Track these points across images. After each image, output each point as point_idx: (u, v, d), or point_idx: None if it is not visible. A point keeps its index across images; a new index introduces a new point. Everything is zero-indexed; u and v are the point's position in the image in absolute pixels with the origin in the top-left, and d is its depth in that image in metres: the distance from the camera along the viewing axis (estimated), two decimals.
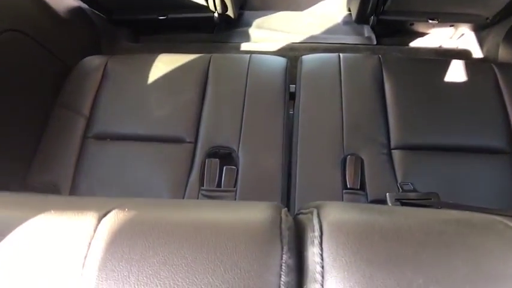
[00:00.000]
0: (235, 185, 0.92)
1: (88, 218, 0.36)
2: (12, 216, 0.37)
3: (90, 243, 0.34)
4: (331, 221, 0.35)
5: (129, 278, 0.31)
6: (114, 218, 0.36)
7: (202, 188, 0.92)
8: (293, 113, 1.04)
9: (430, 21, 1.34)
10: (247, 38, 1.57)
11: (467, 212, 0.38)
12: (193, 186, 0.92)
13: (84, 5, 1.32)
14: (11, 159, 0.97)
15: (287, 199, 0.91)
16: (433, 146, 0.96)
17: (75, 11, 1.25)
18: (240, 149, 0.96)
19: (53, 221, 0.36)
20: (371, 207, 0.40)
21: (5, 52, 0.94)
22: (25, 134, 1.01)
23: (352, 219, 0.36)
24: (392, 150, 0.96)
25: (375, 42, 1.50)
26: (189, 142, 0.98)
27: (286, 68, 1.09)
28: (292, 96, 1.07)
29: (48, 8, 1.11)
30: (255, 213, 0.37)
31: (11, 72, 0.96)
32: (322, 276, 0.31)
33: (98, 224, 0.35)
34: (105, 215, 0.36)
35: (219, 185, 0.92)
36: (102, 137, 1.02)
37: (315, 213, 0.37)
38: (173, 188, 0.93)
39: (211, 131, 0.99)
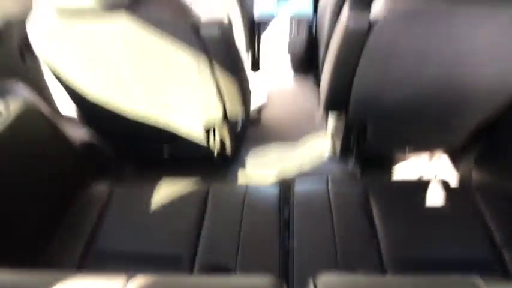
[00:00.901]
0: None
1: (116, 280, 0.41)
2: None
3: None
4: (324, 284, 0.41)
5: None
6: (139, 280, 0.41)
7: None
8: (288, 238, 1.09)
9: (408, 148, 1.49)
10: (243, 170, 1.72)
11: (444, 277, 0.43)
12: None
13: (93, 139, 1.47)
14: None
15: None
16: (424, 262, 1.00)
17: (86, 143, 1.39)
18: (237, 269, 0.99)
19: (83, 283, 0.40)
20: (361, 276, 0.45)
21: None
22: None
23: (341, 284, 0.41)
24: (386, 271, 0.99)
25: (359, 174, 1.65)
26: (188, 261, 1.02)
27: (280, 196, 1.19)
28: (286, 223, 1.14)
29: (62, 137, 1.21)
30: (256, 283, 0.42)
31: (20, 191, 1.03)
32: None
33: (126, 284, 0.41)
34: (131, 276, 0.42)
35: None
36: (103, 258, 1.05)
37: (311, 282, 0.43)
38: None
39: (209, 253, 1.04)
